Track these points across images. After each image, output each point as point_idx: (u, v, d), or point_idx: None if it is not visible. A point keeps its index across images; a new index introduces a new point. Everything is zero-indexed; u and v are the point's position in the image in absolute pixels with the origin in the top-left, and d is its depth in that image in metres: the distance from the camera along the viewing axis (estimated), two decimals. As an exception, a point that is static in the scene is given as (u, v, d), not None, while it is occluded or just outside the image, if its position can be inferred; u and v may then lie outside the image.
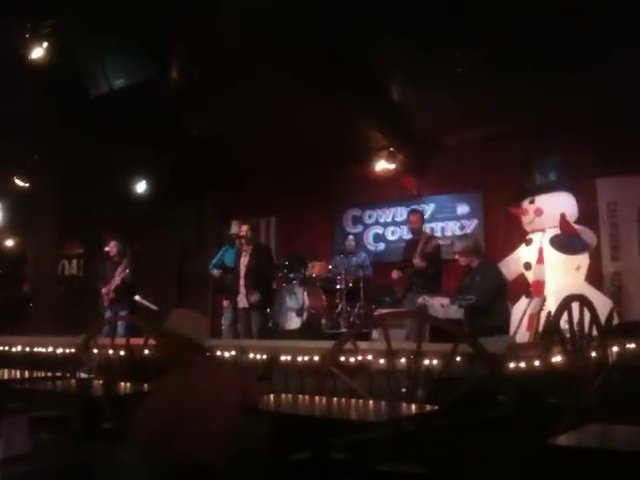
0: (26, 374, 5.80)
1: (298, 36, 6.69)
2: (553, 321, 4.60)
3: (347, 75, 7.43)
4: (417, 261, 7.49)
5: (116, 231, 10.18)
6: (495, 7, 6.14)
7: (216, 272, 8.99)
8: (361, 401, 3.97)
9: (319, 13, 6.39)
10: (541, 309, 6.80)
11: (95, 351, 6.49)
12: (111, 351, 6.40)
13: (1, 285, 13.06)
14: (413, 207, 9.27)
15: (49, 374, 5.78)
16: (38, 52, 6.68)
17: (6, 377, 5.77)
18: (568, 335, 4.65)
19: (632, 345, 5.74)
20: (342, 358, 4.89)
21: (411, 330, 6.98)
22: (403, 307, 7.65)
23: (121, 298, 9.01)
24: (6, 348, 7.54)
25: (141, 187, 11.02)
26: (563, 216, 8.18)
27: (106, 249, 9.31)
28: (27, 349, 7.35)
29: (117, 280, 8.96)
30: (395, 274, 7.84)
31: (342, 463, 3.55)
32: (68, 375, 5.68)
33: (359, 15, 6.51)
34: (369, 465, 3.63)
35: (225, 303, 8.64)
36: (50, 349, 7.12)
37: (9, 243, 13.91)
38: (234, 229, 9.68)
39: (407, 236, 9.64)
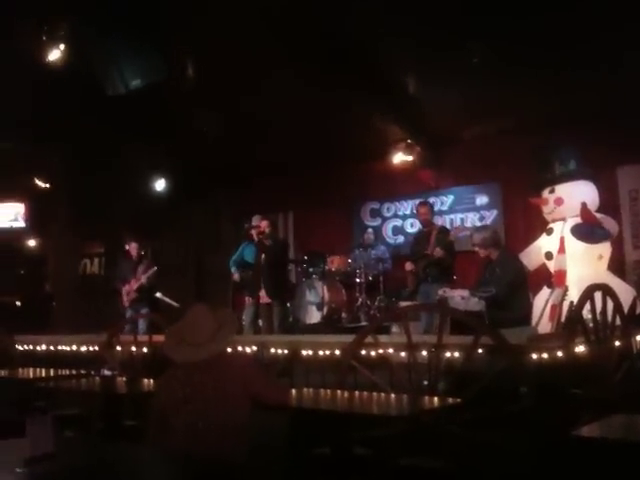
0: (50, 372, 5.88)
1: (310, 35, 6.68)
2: (576, 311, 4.54)
3: (360, 71, 7.41)
4: (437, 251, 7.45)
5: (135, 231, 10.24)
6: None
7: (236, 276, 8.98)
8: (382, 395, 3.95)
9: (329, 11, 6.38)
10: (563, 299, 6.71)
11: (118, 348, 6.54)
12: (134, 348, 6.43)
13: (23, 285, 13.20)
14: (421, 200, 9.08)
15: (73, 372, 5.85)
16: (55, 54, 6.72)
17: (31, 376, 5.85)
18: (591, 325, 4.60)
19: (656, 334, 5.66)
20: (363, 352, 4.88)
21: (428, 323, 6.98)
22: (417, 299, 7.63)
23: (142, 297, 9.14)
24: (30, 347, 7.63)
25: (158, 186, 11.08)
26: (584, 205, 8.09)
27: (127, 248, 9.39)
28: (51, 348, 7.43)
29: (143, 279, 9.06)
30: (409, 266, 7.79)
31: (364, 458, 3.54)
32: (92, 373, 5.72)
33: (370, 14, 6.49)
34: (391, 460, 3.62)
35: (247, 300, 8.64)
36: (74, 347, 7.19)
37: (31, 243, 14.04)
38: (255, 223, 9.68)
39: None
